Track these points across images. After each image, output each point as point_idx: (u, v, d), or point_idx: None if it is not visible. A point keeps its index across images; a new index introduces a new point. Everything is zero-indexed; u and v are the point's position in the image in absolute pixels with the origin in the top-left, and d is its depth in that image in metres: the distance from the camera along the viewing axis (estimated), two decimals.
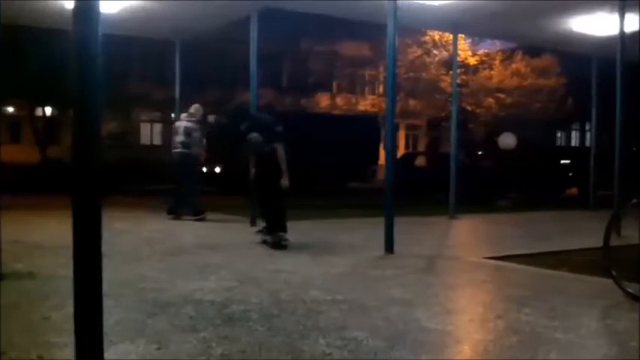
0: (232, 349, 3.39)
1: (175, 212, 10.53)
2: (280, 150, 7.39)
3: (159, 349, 3.38)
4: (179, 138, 10.54)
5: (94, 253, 2.42)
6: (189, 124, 10.54)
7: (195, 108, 10.79)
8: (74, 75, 2.36)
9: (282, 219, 7.47)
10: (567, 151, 28.49)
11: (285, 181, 7.35)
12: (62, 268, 5.36)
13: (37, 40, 19.97)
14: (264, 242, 7.49)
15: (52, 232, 8.20)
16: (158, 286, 5.06)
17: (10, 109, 28.53)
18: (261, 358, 3.25)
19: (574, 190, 18.91)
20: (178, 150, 10.51)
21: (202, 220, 10.30)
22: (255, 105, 9.86)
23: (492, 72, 30.63)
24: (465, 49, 28.69)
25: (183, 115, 10.82)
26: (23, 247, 6.95)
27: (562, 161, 19.37)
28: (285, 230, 7.43)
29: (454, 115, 12.35)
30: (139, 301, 4.55)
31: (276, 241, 7.34)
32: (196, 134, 10.53)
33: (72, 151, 2.41)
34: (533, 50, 28.40)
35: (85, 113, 2.37)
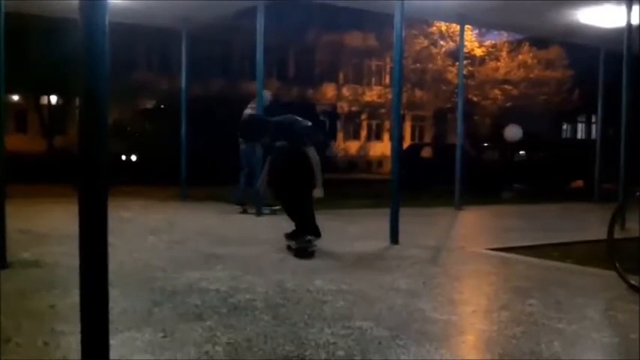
0: (238, 337, 3.42)
1: (243, 204, 10.21)
2: (313, 155, 6.21)
3: (165, 337, 3.41)
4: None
5: (100, 243, 2.44)
6: (248, 110, 10.18)
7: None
8: (82, 64, 2.37)
9: (312, 220, 6.43)
10: (573, 143, 28.45)
11: (319, 192, 6.19)
12: (68, 257, 5.40)
13: (43, 28, 19.99)
14: (289, 248, 6.39)
15: (58, 222, 8.25)
16: (164, 275, 5.09)
17: (16, 98, 28.55)
18: (267, 347, 3.27)
19: (579, 183, 18.91)
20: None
21: (274, 213, 9.89)
22: (261, 95, 9.86)
23: (499, 63, 30.61)
24: (471, 40, 28.66)
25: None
26: (29, 236, 6.99)
27: (567, 153, 19.33)
28: (315, 234, 6.39)
29: (460, 106, 12.35)
30: (145, 289, 4.58)
31: (301, 248, 6.26)
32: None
33: (79, 140, 2.42)
34: (540, 42, 28.32)
35: (93, 102, 2.38)
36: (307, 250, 6.23)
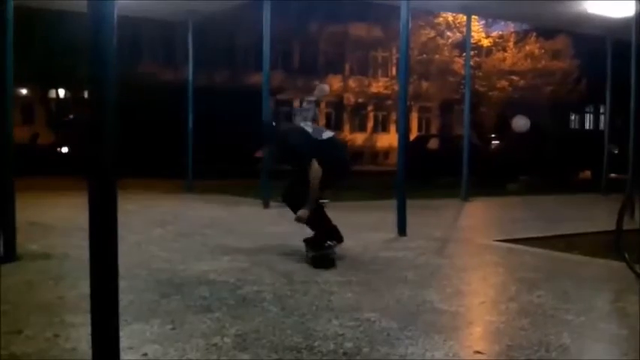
0: (246, 329, 3.43)
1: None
2: (314, 172, 5.33)
3: (173, 328, 3.42)
4: (297, 119, 10.24)
5: (110, 235, 2.45)
6: (304, 103, 10.14)
7: (318, 88, 10.41)
8: (90, 57, 2.37)
9: (328, 223, 5.63)
10: (580, 134, 28.35)
11: (303, 212, 5.39)
12: (76, 249, 5.43)
13: (50, 22, 20.03)
14: (307, 256, 5.51)
15: (65, 214, 8.28)
16: (171, 267, 5.11)
17: (24, 91, 28.63)
18: (275, 338, 3.28)
19: (587, 174, 18.87)
20: None
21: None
22: (267, 86, 9.86)
23: (506, 54, 30.50)
24: (478, 31, 28.55)
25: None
26: (38, 229, 7.02)
27: (575, 144, 19.27)
28: (337, 237, 5.60)
29: (467, 97, 12.31)
30: (153, 281, 4.59)
31: (320, 256, 5.37)
32: (306, 113, 10.13)
33: (88, 132, 2.43)
34: (547, 32, 28.20)
35: (101, 95, 2.38)
36: (327, 257, 5.38)
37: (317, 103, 10.20)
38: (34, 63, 21.07)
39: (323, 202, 5.71)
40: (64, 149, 17.04)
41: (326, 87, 10.35)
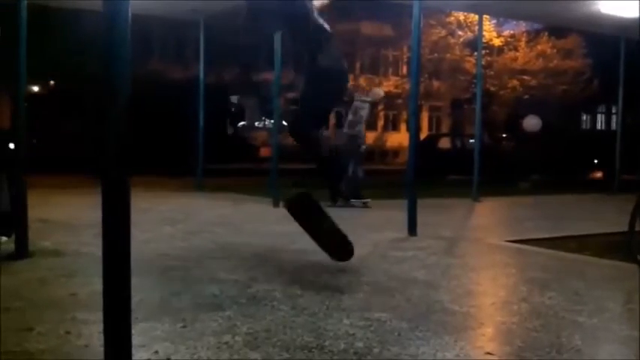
0: (257, 327, 3.43)
1: (339, 197, 9.36)
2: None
3: (184, 326, 3.43)
4: (349, 117, 10.35)
5: (123, 232, 2.46)
6: (358, 102, 10.25)
7: (372, 92, 10.66)
8: (104, 56, 2.38)
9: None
10: (592, 133, 28.24)
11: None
12: (87, 246, 5.46)
13: (60, 19, 20.07)
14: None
15: (77, 211, 8.31)
16: (182, 265, 5.12)
17: (35, 89, 28.72)
18: (286, 337, 3.28)
19: (599, 174, 18.80)
20: (345, 130, 10.37)
21: (366, 205, 9.78)
22: (278, 84, 9.88)
23: (517, 53, 30.37)
24: (489, 30, 28.46)
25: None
26: (49, 226, 7.04)
27: (586, 144, 19.21)
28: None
29: (478, 96, 12.26)
30: (163, 279, 4.60)
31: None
32: (362, 112, 10.24)
33: (101, 130, 2.43)
34: (558, 31, 28.04)
35: (116, 94, 2.39)
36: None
37: (372, 104, 10.41)
38: (44, 60, 21.13)
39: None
40: (11, 145, 16.69)
41: (381, 91, 10.64)
